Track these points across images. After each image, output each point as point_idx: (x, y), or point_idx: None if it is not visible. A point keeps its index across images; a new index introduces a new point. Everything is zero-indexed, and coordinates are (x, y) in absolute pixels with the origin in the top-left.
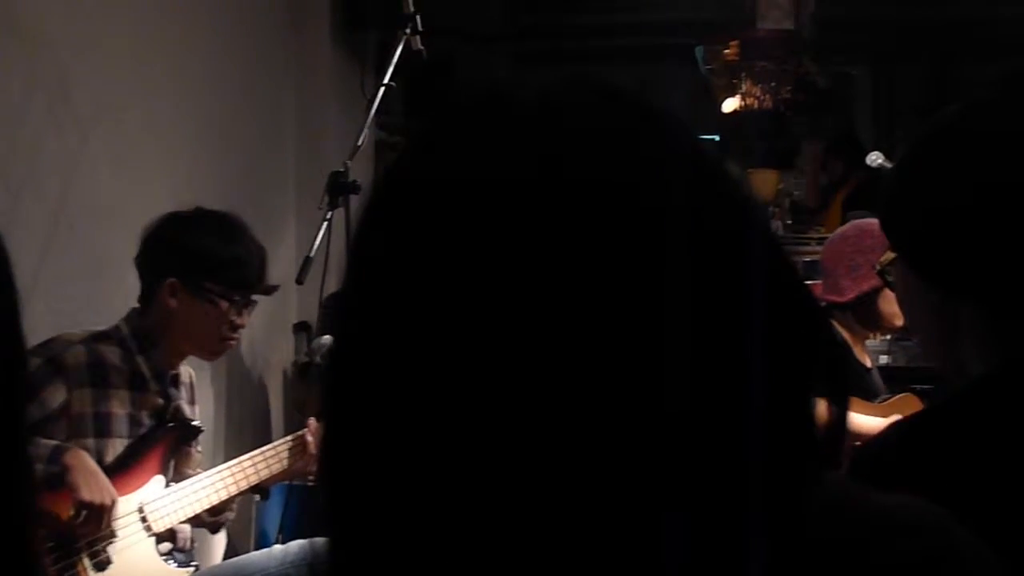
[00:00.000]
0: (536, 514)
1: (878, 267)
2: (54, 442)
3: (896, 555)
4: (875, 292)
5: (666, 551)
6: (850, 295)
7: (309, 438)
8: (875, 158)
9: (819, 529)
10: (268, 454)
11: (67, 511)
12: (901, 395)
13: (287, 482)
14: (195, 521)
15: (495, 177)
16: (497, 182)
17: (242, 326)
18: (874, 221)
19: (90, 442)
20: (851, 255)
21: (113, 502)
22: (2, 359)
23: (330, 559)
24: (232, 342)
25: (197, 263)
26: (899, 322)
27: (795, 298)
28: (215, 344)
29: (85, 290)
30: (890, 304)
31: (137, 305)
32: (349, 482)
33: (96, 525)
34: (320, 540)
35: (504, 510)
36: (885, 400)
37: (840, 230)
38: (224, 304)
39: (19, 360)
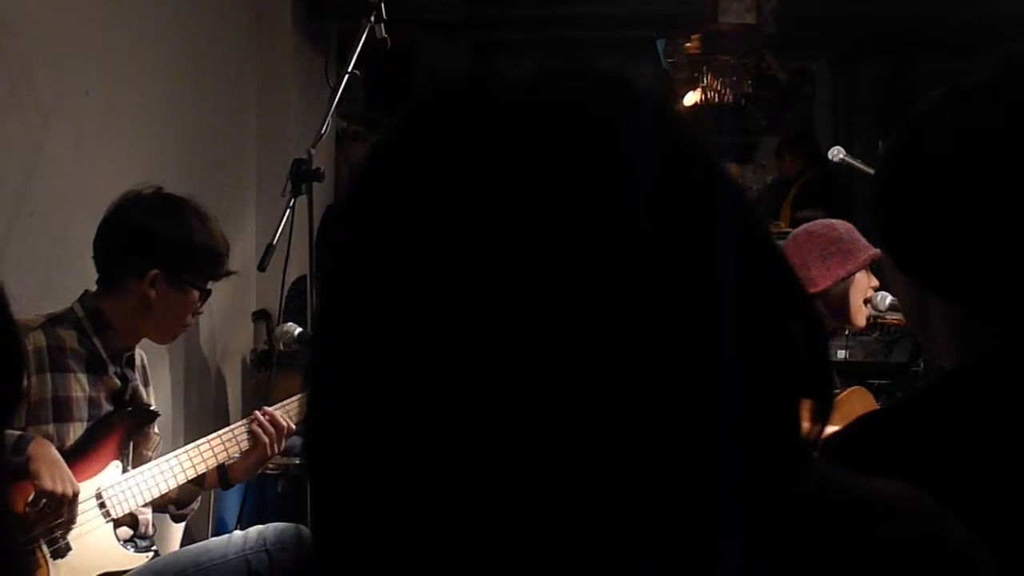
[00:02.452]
0: (517, 506)
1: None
2: (17, 431)
3: (891, 541)
4: (849, 279)
5: (640, 542)
6: (824, 284)
7: (256, 428)
8: (836, 152)
9: (811, 513)
10: (225, 437)
11: (25, 500)
12: (852, 389)
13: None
14: (159, 508)
15: (475, 160)
16: (477, 165)
17: (201, 312)
18: (835, 220)
19: (50, 428)
20: (822, 245)
21: (75, 494)
22: None
23: (314, 544)
24: (189, 327)
25: (182, 256)
26: (861, 320)
27: (773, 275)
28: (178, 329)
29: (45, 276)
30: (858, 296)
31: (94, 287)
32: (333, 468)
33: (56, 515)
34: (279, 526)
35: (483, 495)
36: (835, 394)
37: (804, 227)
38: (196, 293)
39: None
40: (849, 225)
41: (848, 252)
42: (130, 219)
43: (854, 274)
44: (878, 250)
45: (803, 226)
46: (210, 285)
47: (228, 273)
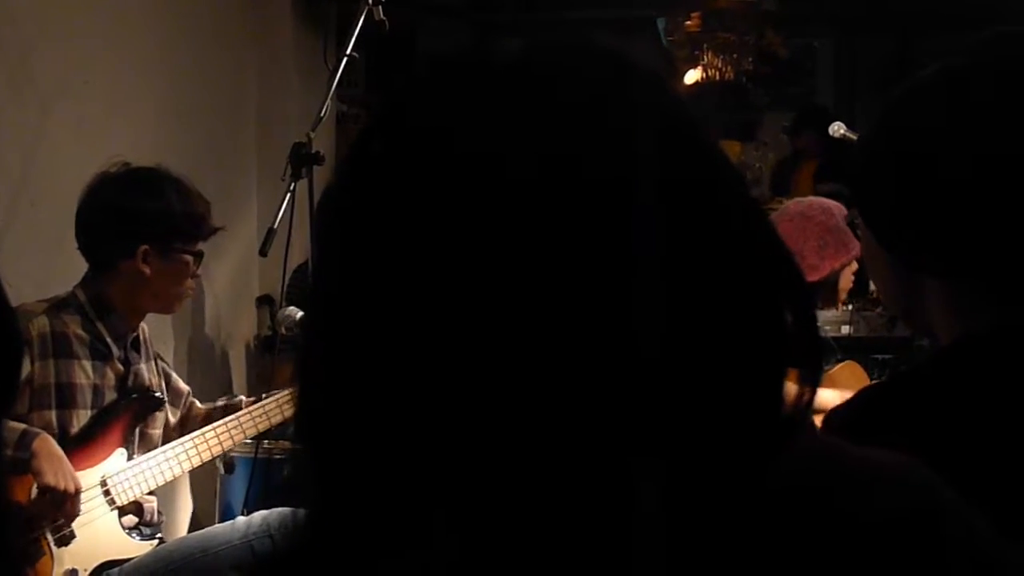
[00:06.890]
0: (518, 480)
1: None
2: (22, 426)
3: (885, 510)
4: (842, 268)
5: (636, 505)
6: (825, 271)
7: None
8: (837, 128)
9: (805, 484)
10: (231, 425)
11: (28, 495)
12: (844, 363)
13: (252, 456)
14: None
15: (468, 137)
16: (468, 146)
17: (198, 275)
18: (829, 201)
19: (52, 414)
20: (819, 233)
21: (77, 490)
22: None
23: (307, 529)
24: (191, 292)
25: (166, 227)
26: (843, 296)
27: (768, 254)
28: (180, 297)
29: (46, 264)
30: (847, 279)
31: (88, 273)
32: (326, 450)
33: (58, 510)
34: (282, 511)
35: (481, 481)
36: (826, 369)
37: (798, 209)
38: (189, 258)
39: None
40: (845, 212)
41: (843, 243)
42: (106, 201)
43: (848, 265)
44: None
45: (799, 206)
46: (200, 246)
47: (214, 230)
